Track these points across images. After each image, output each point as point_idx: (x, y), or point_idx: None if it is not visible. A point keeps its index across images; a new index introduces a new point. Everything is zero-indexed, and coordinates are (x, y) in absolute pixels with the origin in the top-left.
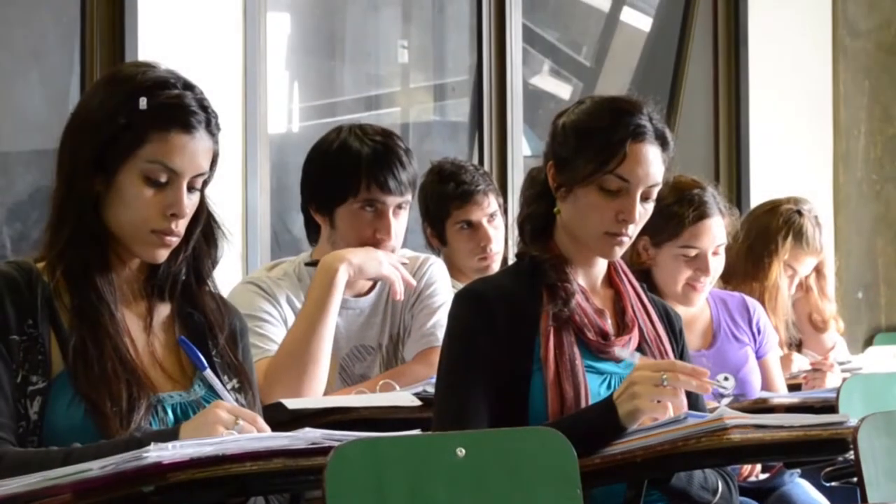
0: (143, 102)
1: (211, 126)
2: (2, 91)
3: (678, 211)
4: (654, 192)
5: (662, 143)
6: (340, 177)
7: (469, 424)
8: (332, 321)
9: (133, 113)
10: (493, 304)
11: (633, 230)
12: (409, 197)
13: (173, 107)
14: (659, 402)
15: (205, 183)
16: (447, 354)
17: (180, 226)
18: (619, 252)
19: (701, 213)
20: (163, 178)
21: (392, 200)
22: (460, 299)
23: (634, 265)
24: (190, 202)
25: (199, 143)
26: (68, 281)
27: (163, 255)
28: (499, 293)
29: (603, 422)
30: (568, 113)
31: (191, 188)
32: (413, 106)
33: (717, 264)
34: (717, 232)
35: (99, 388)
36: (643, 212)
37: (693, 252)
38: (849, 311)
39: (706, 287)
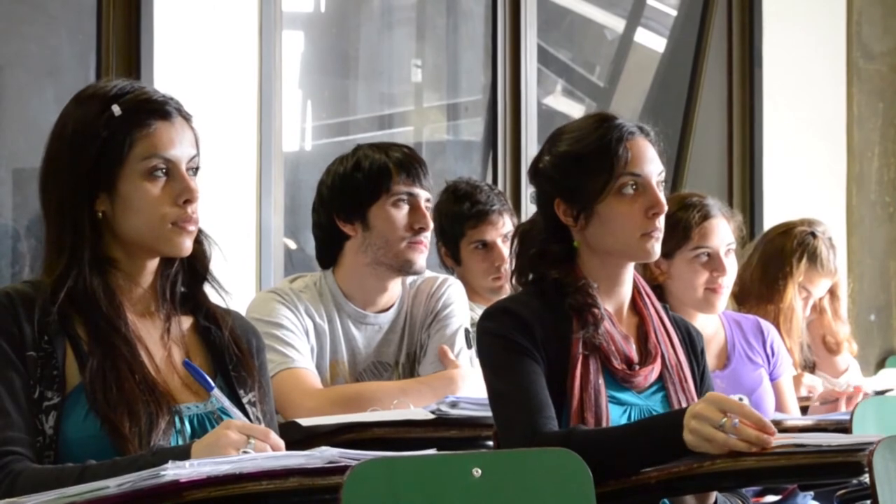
0: (116, 109)
1: (182, 111)
2: (17, 108)
3: (683, 216)
4: (663, 180)
5: (647, 135)
6: (372, 177)
7: (542, 409)
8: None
9: (111, 122)
10: (529, 320)
11: (662, 222)
12: (431, 198)
13: (145, 101)
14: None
15: (196, 168)
16: (490, 363)
17: (195, 211)
18: (658, 248)
19: (705, 214)
20: (162, 171)
21: (423, 194)
22: (493, 314)
23: (647, 282)
24: (196, 186)
25: (181, 128)
26: (74, 308)
27: (188, 244)
28: (532, 312)
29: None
30: (547, 154)
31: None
32: (426, 125)
33: (731, 264)
34: (724, 231)
35: (118, 410)
36: (665, 201)
37: (706, 252)
38: (861, 334)
39: (725, 291)
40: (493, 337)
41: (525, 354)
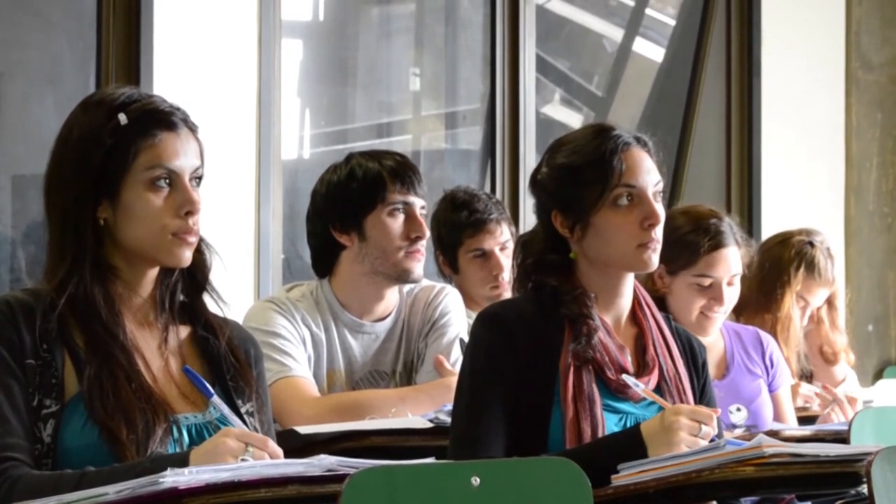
0: (122, 118)
1: (189, 122)
2: (17, 115)
3: (694, 240)
4: (660, 191)
5: (645, 146)
6: (367, 186)
7: (487, 446)
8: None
9: (117, 130)
10: (515, 328)
11: (659, 233)
12: (426, 205)
13: (152, 112)
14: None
15: (200, 179)
16: (467, 374)
17: (196, 223)
18: (656, 259)
19: (717, 243)
20: (166, 182)
21: (418, 202)
22: (482, 321)
23: (650, 293)
24: (198, 197)
25: (186, 138)
26: (73, 316)
27: (188, 256)
28: (521, 319)
29: (632, 457)
30: (545, 166)
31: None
32: (424, 133)
33: (731, 294)
34: (732, 262)
35: (115, 417)
36: (661, 212)
37: (707, 281)
38: (859, 344)
39: (720, 317)
40: (474, 342)
41: (494, 383)
